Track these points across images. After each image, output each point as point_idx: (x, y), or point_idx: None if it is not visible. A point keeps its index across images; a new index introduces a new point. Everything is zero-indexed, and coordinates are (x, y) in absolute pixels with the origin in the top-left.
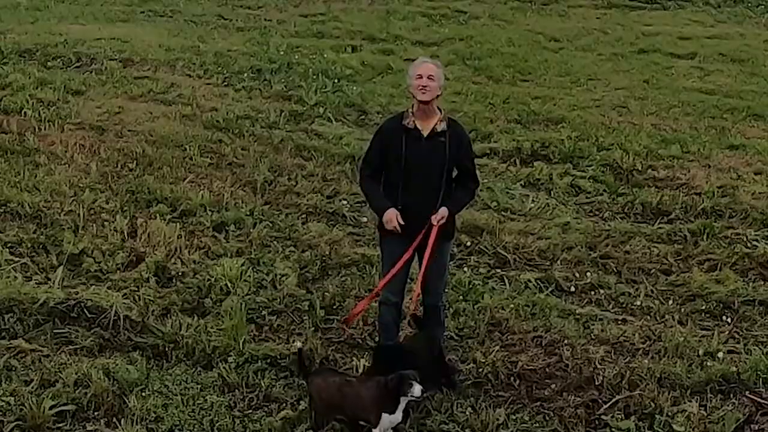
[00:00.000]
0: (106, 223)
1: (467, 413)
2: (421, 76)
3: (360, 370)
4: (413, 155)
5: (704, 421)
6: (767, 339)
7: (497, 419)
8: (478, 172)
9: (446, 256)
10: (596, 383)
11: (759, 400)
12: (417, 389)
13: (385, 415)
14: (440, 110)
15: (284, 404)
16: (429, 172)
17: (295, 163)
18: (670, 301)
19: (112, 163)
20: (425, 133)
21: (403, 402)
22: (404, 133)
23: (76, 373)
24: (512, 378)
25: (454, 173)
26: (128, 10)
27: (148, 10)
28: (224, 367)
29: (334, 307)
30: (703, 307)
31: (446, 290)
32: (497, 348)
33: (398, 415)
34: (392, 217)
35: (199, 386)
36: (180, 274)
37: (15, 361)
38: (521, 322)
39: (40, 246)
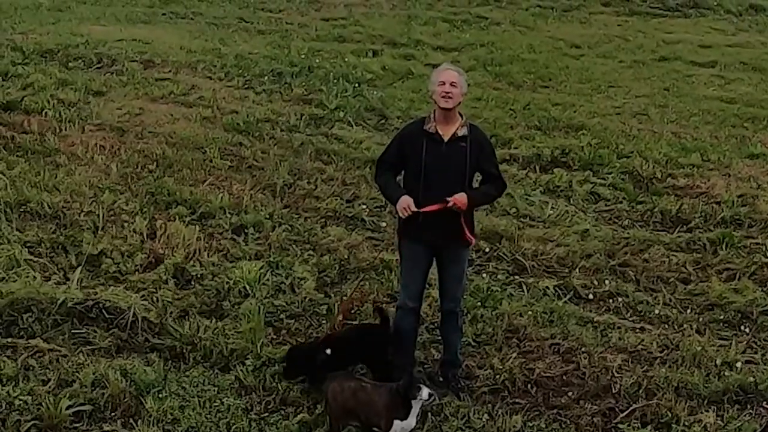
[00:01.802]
0: (125, 224)
1: (484, 420)
2: (443, 83)
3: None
4: (433, 160)
5: (721, 431)
6: None
7: (514, 426)
8: (504, 176)
9: (464, 262)
10: (613, 391)
11: None
12: (425, 392)
13: (396, 422)
14: (461, 116)
15: (301, 408)
16: (449, 177)
17: (315, 166)
18: (689, 310)
19: (132, 164)
20: (446, 138)
21: (415, 407)
22: (425, 138)
23: (93, 374)
24: (529, 385)
25: (477, 180)
26: (149, 12)
27: (170, 12)
28: (241, 370)
29: (353, 311)
30: (722, 317)
31: (464, 296)
32: (514, 355)
33: (411, 421)
34: (407, 204)
35: (216, 388)
36: (198, 276)
37: (33, 361)
38: (539, 329)
39: (60, 246)
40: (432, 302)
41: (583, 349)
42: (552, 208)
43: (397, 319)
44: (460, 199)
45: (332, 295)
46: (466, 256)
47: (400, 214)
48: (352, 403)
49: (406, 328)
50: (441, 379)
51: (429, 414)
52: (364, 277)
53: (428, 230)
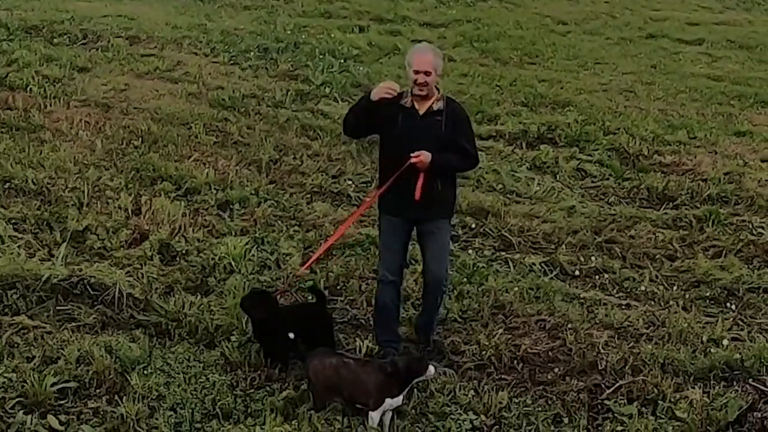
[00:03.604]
0: (110, 201)
1: (470, 396)
2: (418, 72)
3: (363, 351)
4: (408, 133)
5: (707, 407)
6: None
7: (500, 402)
8: (479, 153)
9: (446, 234)
10: (599, 368)
11: (762, 387)
12: (431, 370)
13: (387, 399)
14: (438, 90)
15: (286, 384)
16: (423, 150)
17: (301, 142)
18: (675, 287)
19: (117, 140)
20: (421, 112)
21: (408, 385)
22: (401, 112)
23: (78, 351)
24: (515, 361)
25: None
26: None
27: None
28: (227, 346)
29: (338, 287)
30: (708, 294)
31: (449, 271)
32: (501, 331)
33: (399, 398)
34: (386, 85)
35: (201, 365)
36: (184, 252)
37: (17, 338)
38: (525, 306)
39: (44, 222)
40: (418, 278)
41: (569, 326)
42: (538, 184)
43: (377, 293)
44: (423, 157)
45: (318, 270)
46: (447, 230)
47: (384, 95)
48: (334, 379)
49: (387, 302)
50: (415, 337)
51: (415, 390)
52: (349, 253)
53: (404, 201)
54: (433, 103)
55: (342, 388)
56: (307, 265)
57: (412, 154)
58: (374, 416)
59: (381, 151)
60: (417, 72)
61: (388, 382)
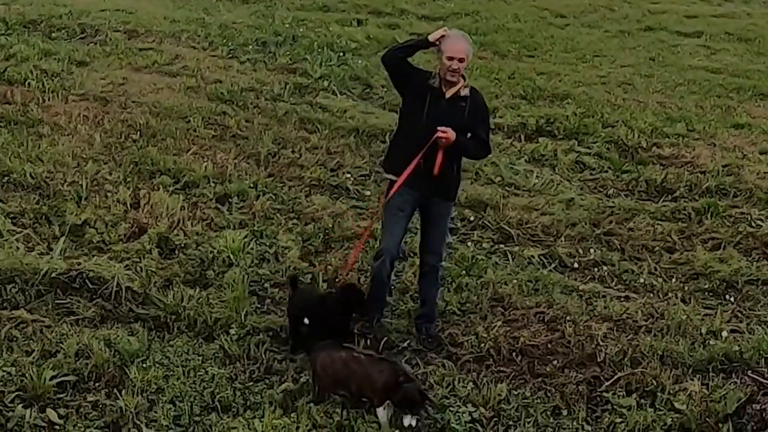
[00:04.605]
0: (108, 194)
1: (468, 388)
2: (452, 59)
3: (362, 343)
4: (434, 113)
5: (706, 399)
6: None
7: (499, 394)
8: (492, 144)
9: (446, 217)
10: (598, 360)
11: (761, 379)
12: (412, 422)
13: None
14: (464, 78)
15: (285, 377)
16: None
17: (300, 135)
18: (674, 279)
19: (116, 134)
20: (447, 96)
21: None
22: (428, 91)
23: (77, 344)
24: (514, 353)
25: None
26: None
27: None
28: (226, 339)
29: (337, 280)
30: (707, 286)
31: (447, 253)
32: (499, 323)
33: None
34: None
35: (200, 358)
36: (182, 245)
37: (16, 332)
38: (524, 298)
39: (43, 216)
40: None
41: (568, 318)
42: (537, 176)
43: (375, 266)
44: (450, 134)
45: (316, 263)
46: (448, 213)
47: (439, 36)
48: (343, 373)
49: (383, 278)
50: (415, 331)
51: None
52: (349, 246)
53: (422, 175)
54: (460, 89)
55: (351, 383)
56: (349, 267)
57: (440, 128)
58: (381, 412)
59: (401, 124)
60: (451, 59)
61: (395, 387)
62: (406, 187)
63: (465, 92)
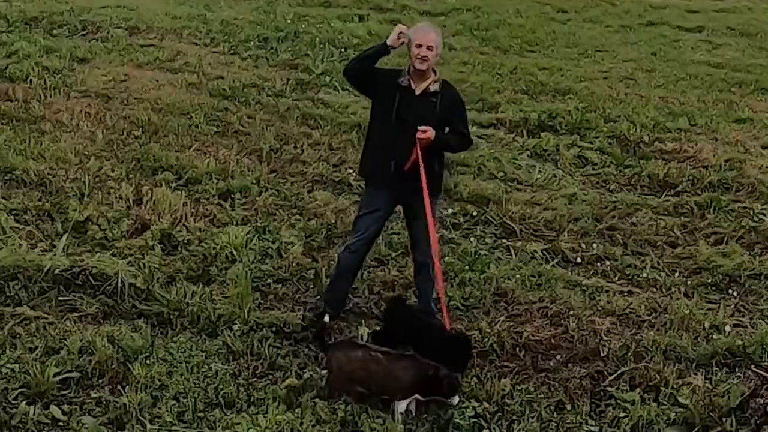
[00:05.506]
0: (111, 191)
1: (472, 383)
2: (421, 46)
3: (364, 338)
4: (404, 112)
5: (709, 394)
6: None
7: (502, 389)
8: (479, 140)
9: (426, 212)
10: (602, 355)
11: (764, 373)
12: (455, 401)
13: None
14: (435, 72)
15: (289, 372)
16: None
17: (302, 131)
18: (676, 274)
19: (118, 130)
20: (417, 92)
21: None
22: (397, 90)
23: (80, 341)
24: (517, 348)
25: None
26: None
27: None
28: (229, 335)
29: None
30: (709, 281)
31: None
32: (503, 318)
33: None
34: (399, 28)
35: (203, 354)
36: (185, 241)
37: (20, 329)
38: (527, 293)
39: (46, 213)
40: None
41: (571, 313)
42: (539, 171)
43: (341, 257)
44: (430, 133)
45: (319, 259)
46: (435, 207)
47: (396, 36)
48: (361, 374)
49: (349, 266)
50: None
51: None
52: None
53: (395, 177)
54: (429, 84)
55: (371, 383)
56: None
57: (419, 127)
58: (401, 406)
59: (371, 125)
60: (419, 46)
61: (424, 381)
62: (380, 189)
63: (435, 87)
